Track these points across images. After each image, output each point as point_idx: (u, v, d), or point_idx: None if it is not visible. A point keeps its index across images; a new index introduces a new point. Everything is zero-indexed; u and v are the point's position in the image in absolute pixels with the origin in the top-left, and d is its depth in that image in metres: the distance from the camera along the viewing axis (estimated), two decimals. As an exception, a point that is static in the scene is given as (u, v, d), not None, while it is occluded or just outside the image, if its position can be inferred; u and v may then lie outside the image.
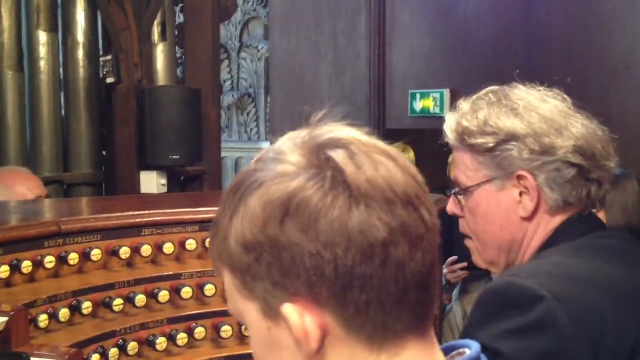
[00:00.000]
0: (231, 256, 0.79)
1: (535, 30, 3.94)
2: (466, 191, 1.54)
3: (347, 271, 0.73)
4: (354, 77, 5.42)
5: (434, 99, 4.88)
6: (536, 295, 1.24)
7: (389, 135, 5.16)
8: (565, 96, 1.53)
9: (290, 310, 0.75)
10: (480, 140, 1.48)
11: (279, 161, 0.78)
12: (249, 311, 0.80)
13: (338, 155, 0.76)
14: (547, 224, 1.48)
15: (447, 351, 0.83)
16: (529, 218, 1.48)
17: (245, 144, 9.91)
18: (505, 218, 1.50)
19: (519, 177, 1.46)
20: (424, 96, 4.97)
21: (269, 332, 0.79)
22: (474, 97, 1.55)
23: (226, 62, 9.90)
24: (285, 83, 5.93)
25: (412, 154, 4.97)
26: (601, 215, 2.89)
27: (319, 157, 0.76)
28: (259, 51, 9.88)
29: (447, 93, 4.79)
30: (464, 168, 1.54)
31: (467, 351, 0.82)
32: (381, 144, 0.80)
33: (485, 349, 1.18)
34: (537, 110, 1.46)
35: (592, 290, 1.30)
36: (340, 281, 0.73)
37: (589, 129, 1.46)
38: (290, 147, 0.79)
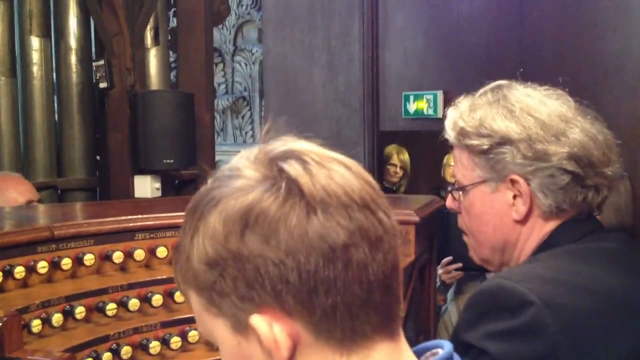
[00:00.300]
0: (195, 276, 0.80)
1: (528, 32, 3.95)
2: (462, 189, 1.54)
3: (310, 277, 0.74)
4: (348, 80, 5.42)
5: (428, 100, 4.89)
6: (526, 300, 1.24)
7: (383, 137, 5.18)
8: (569, 97, 1.52)
9: (258, 321, 0.76)
10: (475, 142, 1.48)
11: (235, 177, 0.79)
12: (219, 329, 0.81)
13: (290, 166, 0.77)
14: (542, 227, 1.47)
15: (420, 352, 0.84)
16: (522, 221, 1.48)
17: (241, 147, 9.84)
18: (498, 219, 1.50)
19: (512, 181, 1.46)
20: (417, 98, 4.97)
21: (240, 347, 0.79)
22: (476, 93, 1.55)
23: (220, 66, 9.89)
24: (279, 86, 5.93)
25: (406, 155, 4.98)
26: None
27: (272, 169, 0.78)
28: (253, 54, 9.87)
29: (440, 94, 4.80)
30: (461, 166, 1.54)
31: (440, 351, 0.83)
32: (334, 154, 0.81)
33: (472, 347, 1.18)
34: (534, 113, 1.45)
35: (584, 296, 1.29)
36: (304, 287, 0.74)
37: (588, 134, 1.44)
38: (244, 163, 0.80)
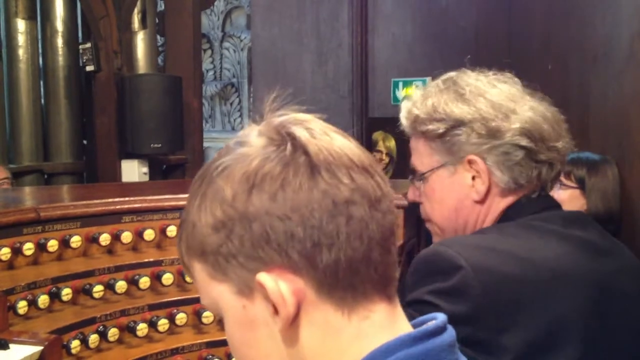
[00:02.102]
0: (201, 242, 0.82)
1: (516, 18, 3.96)
2: (421, 177, 1.58)
3: (314, 231, 0.78)
4: (337, 66, 5.40)
5: (417, 86, 4.89)
6: (455, 264, 1.30)
7: (372, 124, 5.18)
8: (516, 79, 1.57)
9: (265, 277, 0.78)
10: (430, 127, 1.53)
11: (241, 144, 0.83)
12: (223, 295, 0.83)
13: (297, 129, 0.82)
14: (497, 205, 1.52)
15: (417, 325, 0.86)
16: (482, 200, 1.52)
17: (229, 134, 9.86)
18: (458, 202, 1.54)
19: (470, 162, 1.50)
20: (406, 84, 4.98)
21: (244, 311, 0.81)
22: (427, 85, 1.60)
23: (209, 52, 9.84)
24: (267, 72, 5.90)
25: (392, 142, 4.98)
26: (583, 200, 2.91)
27: (279, 133, 0.82)
28: (241, 41, 9.83)
29: (429, 81, 4.80)
30: (418, 154, 1.59)
31: (434, 322, 0.85)
32: (333, 127, 0.86)
33: (415, 303, 1.28)
34: (485, 95, 1.50)
35: (514, 263, 1.34)
36: (309, 242, 0.77)
37: (537, 111, 1.50)
38: (250, 133, 0.84)
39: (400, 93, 5.02)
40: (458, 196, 1.53)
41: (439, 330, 0.82)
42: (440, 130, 1.51)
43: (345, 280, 0.79)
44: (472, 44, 4.37)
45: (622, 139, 2.95)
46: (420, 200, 1.63)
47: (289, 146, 0.80)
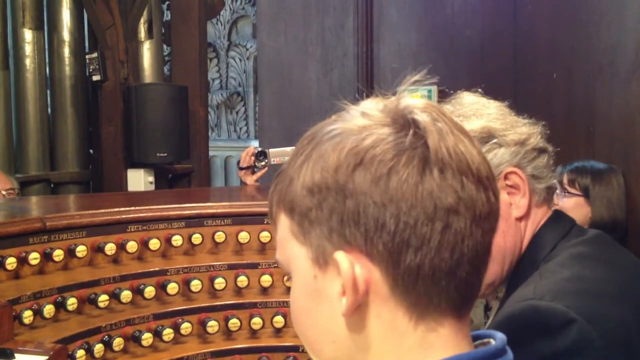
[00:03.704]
0: (293, 199, 0.79)
1: (522, 26, 3.96)
2: None
3: (407, 228, 0.73)
4: (342, 75, 5.41)
5: (422, 95, 4.88)
6: (567, 319, 1.15)
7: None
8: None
9: (342, 257, 0.75)
10: None
11: (360, 116, 0.79)
12: (299, 257, 0.80)
13: (423, 119, 0.77)
14: (534, 218, 1.42)
15: (472, 339, 0.82)
16: (523, 216, 1.41)
17: (235, 143, 9.87)
18: (504, 224, 1.40)
19: (506, 176, 1.39)
20: (411, 93, 4.97)
21: (315, 280, 0.79)
22: None
23: (215, 61, 9.87)
24: (273, 81, 5.91)
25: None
26: (587, 208, 2.91)
27: (404, 116, 0.77)
28: (247, 50, 9.85)
29: (434, 90, 4.80)
30: None
31: (492, 341, 0.81)
32: (460, 124, 0.81)
33: None
34: (490, 109, 1.42)
35: (614, 303, 1.23)
36: (398, 237, 0.74)
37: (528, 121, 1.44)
38: (372, 106, 0.80)
39: (406, 102, 5.01)
40: (503, 218, 1.36)
41: (499, 353, 0.78)
42: None
43: (422, 287, 0.75)
44: (478, 53, 4.36)
45: (628, 147, 2.95)
46: None
47: (410, 134, 0.75)
